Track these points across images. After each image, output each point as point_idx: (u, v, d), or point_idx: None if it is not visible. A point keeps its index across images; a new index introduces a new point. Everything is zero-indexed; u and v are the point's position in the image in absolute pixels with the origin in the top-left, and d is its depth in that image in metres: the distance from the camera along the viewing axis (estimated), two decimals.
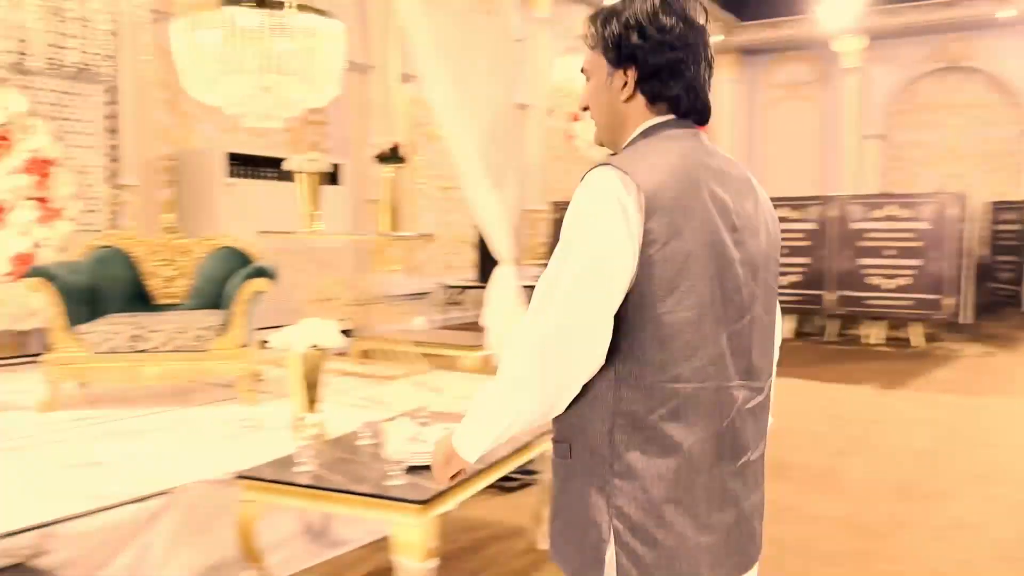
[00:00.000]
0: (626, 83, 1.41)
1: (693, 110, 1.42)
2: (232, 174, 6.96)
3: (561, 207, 10.35)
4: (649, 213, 1.27)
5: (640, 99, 1.41)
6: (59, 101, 6.05)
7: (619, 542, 1.32)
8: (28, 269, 4.48)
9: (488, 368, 5.17)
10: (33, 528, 2.64)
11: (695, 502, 1.32)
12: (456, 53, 4.07)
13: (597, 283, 1.28)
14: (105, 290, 4.75)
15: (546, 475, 3.49)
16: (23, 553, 2.59)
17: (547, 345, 1.30)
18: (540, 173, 11.27)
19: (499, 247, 4.62)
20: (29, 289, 4.39)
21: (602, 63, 1.43)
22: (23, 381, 4.97)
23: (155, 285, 5.07)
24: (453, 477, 1.48)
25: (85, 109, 6.23)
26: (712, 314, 1.32)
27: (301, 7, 4.33)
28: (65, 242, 5.71)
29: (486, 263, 9.01)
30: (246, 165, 7.09)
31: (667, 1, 1.39)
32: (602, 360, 1.31)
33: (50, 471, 3.27)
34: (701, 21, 1.41)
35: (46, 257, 5.54)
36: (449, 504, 2.69)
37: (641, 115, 1.42)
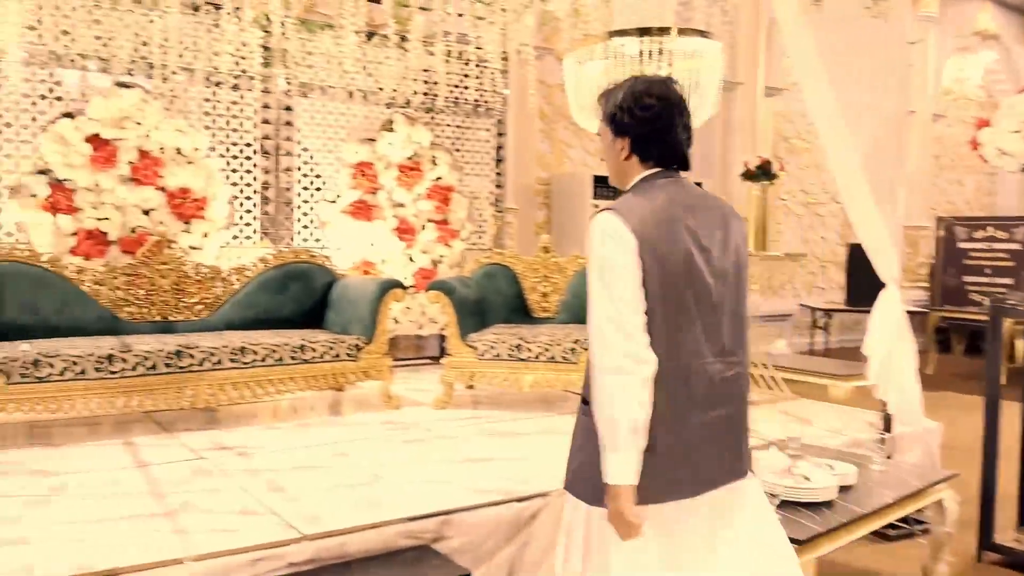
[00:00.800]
0: (623, 147, 1.97)
1: (674, 161, 1.98)
2: (597, 196, 7.29)
3: (946, 223, 9.17)
4: (638, 242, 1.80)
5: (635, 158, 1.97)
6: (457, 135, 6.86)
7: None
8: (430, 283, 5.09)
9: (864, 401, 4.75)
10: (436, 515, 2.94)
11: (667, 445, 1.83)
12: (841, 61, 3.80)
13: (626, 286, 1.78)
14: (490, 303, 5.23)
15: (937, 527, 3.13)
16: (427, 537, 2.90)
17: (608, 352, 1.77)
18: (924, 185, 10.16)
19: (884, 268, 4.20)
20: (430, 300, 4.99)
21: (607, 131, 2.00)
22: (421, 380, 5.66)
23: (533, 300, 5.47)
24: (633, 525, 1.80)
25: (477, 141, 6.98)
26: (686, 311, 1.85)
27: (682, 31, 4.37)
28: (458, 259, 6.43)
29: (858, 285, 8.33)
30: (610, 187, 7.37)
31: (649, 85, 1.95)
32: (646, 334, 1.80)
33: (444, 463, 3.65)
34: (679, 94, 1.95)
35: (443, 272, 6.28)
36: (827, 547, 2.52)
37: (636, 169, 1.98)
